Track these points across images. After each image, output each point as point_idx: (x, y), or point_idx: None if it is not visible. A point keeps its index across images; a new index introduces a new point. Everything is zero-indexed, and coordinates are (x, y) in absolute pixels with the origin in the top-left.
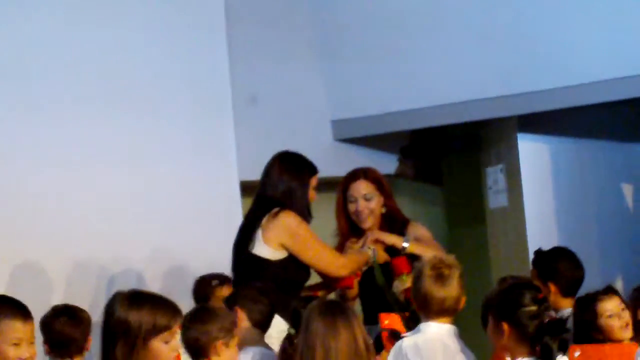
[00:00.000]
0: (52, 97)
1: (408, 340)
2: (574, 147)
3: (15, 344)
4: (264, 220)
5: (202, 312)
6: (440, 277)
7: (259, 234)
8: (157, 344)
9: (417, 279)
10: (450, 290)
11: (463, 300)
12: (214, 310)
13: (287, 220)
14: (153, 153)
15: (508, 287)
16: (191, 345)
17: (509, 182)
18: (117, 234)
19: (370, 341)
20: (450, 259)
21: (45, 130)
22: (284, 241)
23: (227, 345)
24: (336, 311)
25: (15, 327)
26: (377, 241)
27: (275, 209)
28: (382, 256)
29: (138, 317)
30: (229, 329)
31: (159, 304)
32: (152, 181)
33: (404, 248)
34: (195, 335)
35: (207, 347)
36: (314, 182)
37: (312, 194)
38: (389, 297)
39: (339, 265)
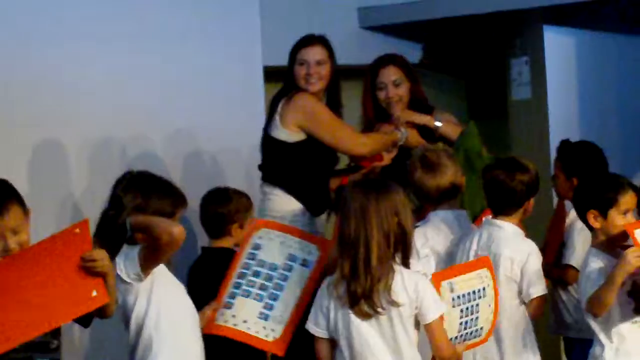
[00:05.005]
0: None
1: (418, 231)
2: (599, 41)
3: None
4: (281, 103)
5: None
6: (429, 166)
7: (277, 117)
8: None
9: (409, 172)
10: (442, 177)
11: (462, 181)
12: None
13: (302, 101)
14: (177, 34)
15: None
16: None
17: (533, 74)
18: (138, 113)
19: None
20: (437, 145)
21: (67, 4)
22: (300, 122)
23: (241, 226)
24: (374, 186)
25: None
26: (408, 123)
27: (292, 92)
28: (414, 139)
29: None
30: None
31: (165, 191)
32: (175, 63)
33: (436, 127)
34: (214, 213)
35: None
36: (297, 56)
37: (298, 68)
38: None
39: (359, 142)
